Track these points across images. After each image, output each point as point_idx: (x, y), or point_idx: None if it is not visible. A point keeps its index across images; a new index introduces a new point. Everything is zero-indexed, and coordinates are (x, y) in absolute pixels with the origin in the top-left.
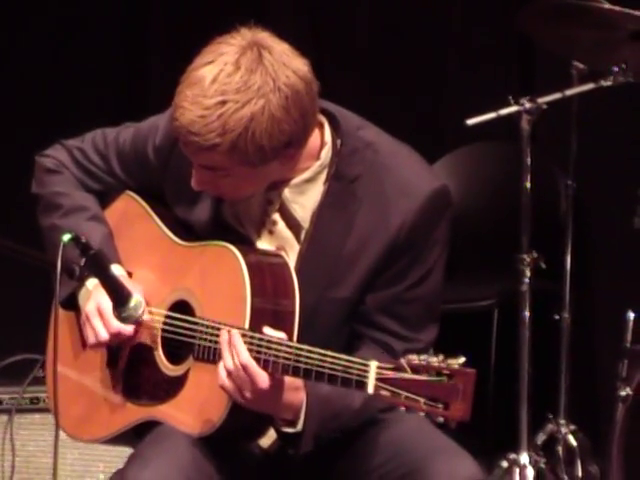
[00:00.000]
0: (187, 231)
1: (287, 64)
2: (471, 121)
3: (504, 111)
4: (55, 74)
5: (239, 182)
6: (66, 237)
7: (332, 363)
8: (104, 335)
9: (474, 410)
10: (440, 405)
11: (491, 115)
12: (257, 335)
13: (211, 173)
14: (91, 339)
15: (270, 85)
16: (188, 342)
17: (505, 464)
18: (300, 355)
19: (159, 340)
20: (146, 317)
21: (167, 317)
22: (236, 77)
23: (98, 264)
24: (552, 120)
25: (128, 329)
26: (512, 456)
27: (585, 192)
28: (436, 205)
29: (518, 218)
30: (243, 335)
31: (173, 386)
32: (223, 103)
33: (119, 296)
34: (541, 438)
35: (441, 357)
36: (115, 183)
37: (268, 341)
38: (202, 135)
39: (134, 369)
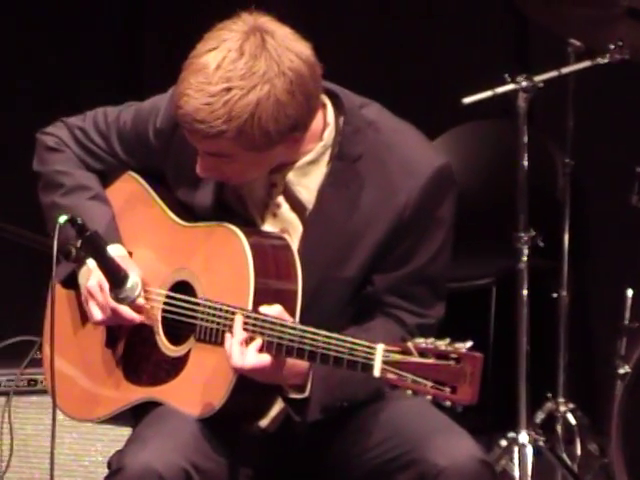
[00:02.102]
0: (189, 212)
1: (290, 48)
2: (468, 100)
3: (501, 89)
4: (54, 52)
5: (244, 167)
6: (62, 219)
7: (337, 345)
8: (109, 310)
9: None
10: (447, 389)
11: (487, 93)
12: (261, 317)
13: (216, 159)
14: (97, 315)
15: (274, 70)
16: (189, 323)
17: (504, 443)
18: (305, 337)
19: (159, 320)
20: (141, 300)
21: (168, 297)
22: (240, 63)
23: (94, 245)
24: (549, 98)
25: (126, 310)
26: (511, 435)
27: (582, 170)
28: (439, 183)
29: (515, 197)
30: (247, 317)
31: (174, 367)
32: (228, 90)
33: (115, 277)
34: (540, 417)
35: (448, 340)
36: (116, 163)
37: (272, 322)
38: (208, 122)
39: (134, 349)
